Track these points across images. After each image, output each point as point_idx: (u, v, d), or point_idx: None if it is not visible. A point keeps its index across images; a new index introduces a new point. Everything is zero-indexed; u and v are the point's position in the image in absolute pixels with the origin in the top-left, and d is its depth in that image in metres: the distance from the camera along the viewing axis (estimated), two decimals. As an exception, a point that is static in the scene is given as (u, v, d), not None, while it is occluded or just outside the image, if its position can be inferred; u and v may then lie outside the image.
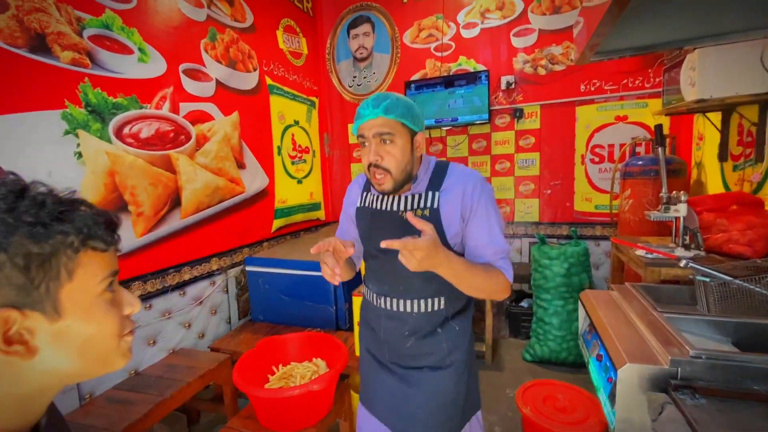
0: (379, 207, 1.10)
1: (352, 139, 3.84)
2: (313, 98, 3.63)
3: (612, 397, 1.02)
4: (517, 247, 3.35)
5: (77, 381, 0.51)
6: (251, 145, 2.74)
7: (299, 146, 3.37)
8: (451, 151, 3.47)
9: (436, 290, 1.06)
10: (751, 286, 1.13)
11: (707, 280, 1.20)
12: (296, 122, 3.33)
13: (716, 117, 2.17)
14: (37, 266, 0.42)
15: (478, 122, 3.20)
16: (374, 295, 1.16)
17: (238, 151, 2.60)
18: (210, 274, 2.36)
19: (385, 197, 1.10)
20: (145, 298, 1.94)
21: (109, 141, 1.77)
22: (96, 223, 0.47)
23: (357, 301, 1.90)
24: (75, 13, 1.66)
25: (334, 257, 0.94)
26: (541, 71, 3.09)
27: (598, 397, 1.17)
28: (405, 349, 1.11)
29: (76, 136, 1.65)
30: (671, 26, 1.29)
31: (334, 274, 0.91)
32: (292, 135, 3.27)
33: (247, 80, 2.72)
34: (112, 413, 1.52)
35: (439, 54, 3.40)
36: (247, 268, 2.55)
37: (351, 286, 2.33)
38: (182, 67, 2.18)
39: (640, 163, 2.47)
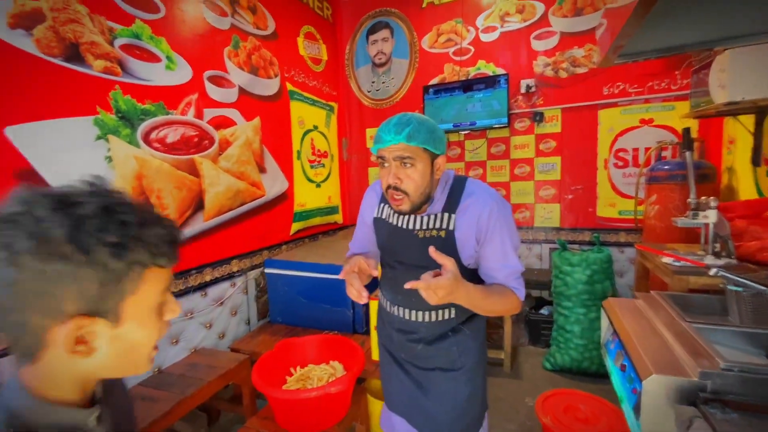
0: (395, 223, 1.11)
1: (371, 144, 3.86)
2: (332, 103, 3.67)
3: (637, 408, 0.99)
4: (537, 252, 3.29)
5: (106, 377, 0.57)
6: (272, 149, 2.79)
7: (318, 151, 3.42)
8: (469, 156, 3.44)
9: (447, 303, 1.07)
10: (788, 297, 1.08)
11: (740, 289, 1.15)
12: (315, 127, 3.38)
13: (748, 120, 2.08)
14: (111, 281, 0.47)
15: (496, 126, 3.17)
16: (388, 302, 1.19)
17: (259, 155, 2.65)
18: (230, 276, 2.41)
19: (402, 215, 1.10)
20: (169, 298, 1.99)
21: (138, 146, 1.84)
22: (164, 242, 0.52)
23: (374, 305, 1.91)
24: (107, 23, 1.73)
25: (359, 277, 0.97)
26: (563, 74, 3.05)
27: (622, 408, 1.13)
28: (417, 352, 1.14)
29: (107, 141, 1.71)
30: (700, 26, 1.26)
31: (360, 295, 0.95)
32: (312, 140, 3.32)
33: (269, 86, 2.78)
34: (137, 409, 1.56)
35: (457, 58, 3.39)
36: (266, 270, 2.59)
37: (368, 290, 2.33)
38: (207, 74, 2.24)
39: (666, 167, 2.39)
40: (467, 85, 3.23)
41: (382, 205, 1.17)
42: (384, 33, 3.68)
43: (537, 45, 3.11)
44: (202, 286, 2.20)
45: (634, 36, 1.22)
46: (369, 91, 3.82)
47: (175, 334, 2.04)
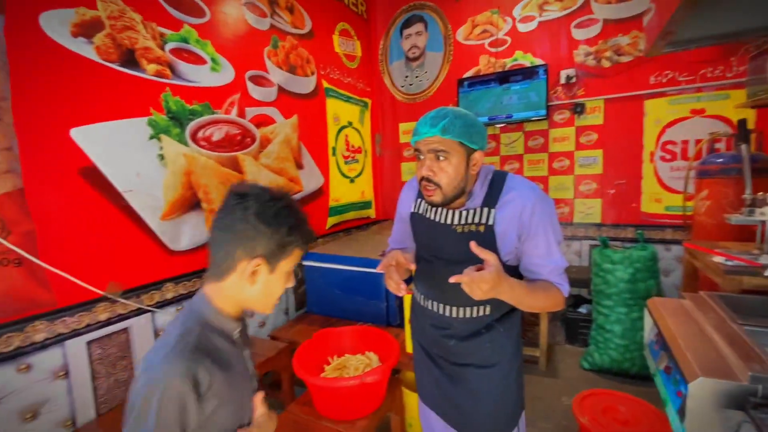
0: (433, 218, 1.11)
1: (403, 138, 3.88)
2: (366, 99, 3.71)
3: (681, 412, 0.96)
4: (576, 249, 3.19)
5: (249, 307, 0.86)
6: (308, 146, 2.87)
7: (352, 146, 3.47)
8: (504, 149, 3.38)
9: (491, 298, 1.07)
10: None
11: (799, 291, 1.09)
12: (350, 123, 3.43)
13: (815, 109, 1.92)
14: (281, 245, 0.80)
15: (534, 118, 3.09)
16: (422, 296, 1.19)
17: (297, 152, 2.74)
18: (270, 268, 2.51)
19: (440, 209, 1.10)
20: (214, 287, 2.12)
21: (186, 144, 1.95)
22: (309, 236, 0.86)
23: (407, 299, 1.93)
24: (158, 29, 1.84)
25: (397, 270, 1.00)
26: (606, 63, 2.92)
27: (665, 411, 1.10)
28: (449, 347, 1.14)
29: (159, 140, 1.84)
30: (759, 10, 1.18)
31: (399, 288, 0.98)
32: (346, 136, 3.38)
33: (306, 84, 2.85)
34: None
35: (493, 50, 3.32)
36: (304, 263, 2.68)
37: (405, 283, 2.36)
38: (248, 74, 2.34)
39: (719, 160, 2.25)
40: (503, 77, 3.16)
41: (419, 200, 1.18)
42: (418, 27, 3.66)
43: (578, 34, 2.99)
44: (245, 277, 2.31)
45: (685, 22, 1.16)
46: (402, 86, 3.82)
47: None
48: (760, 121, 2.49)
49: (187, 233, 1.95)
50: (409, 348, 1.88)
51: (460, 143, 0.97)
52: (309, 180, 2.87)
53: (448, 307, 1.11)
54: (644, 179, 2.91)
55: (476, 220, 1.03)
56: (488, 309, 1.09)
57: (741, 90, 2.45)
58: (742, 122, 1.79)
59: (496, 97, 3.20)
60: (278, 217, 0.79)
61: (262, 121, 2.43)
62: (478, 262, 0.86)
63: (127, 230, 1.71)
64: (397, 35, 3.77)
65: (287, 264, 0.83)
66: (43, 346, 1.43)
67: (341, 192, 3.30)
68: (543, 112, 3.03)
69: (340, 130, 3.28)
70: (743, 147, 1.77)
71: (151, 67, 1.81)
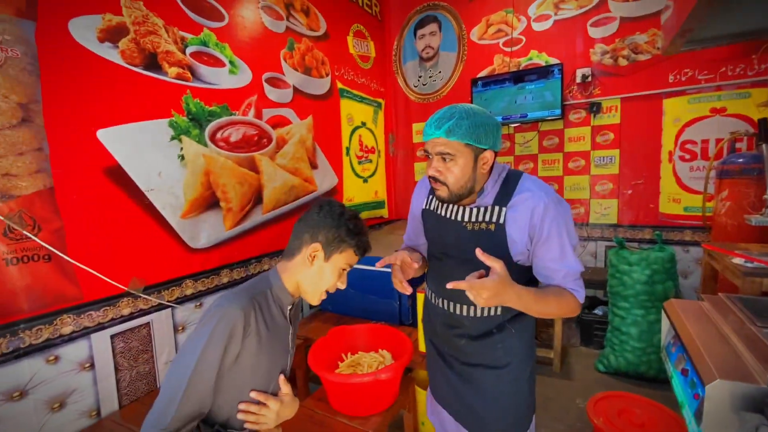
0: (444, 214, 1.12)
1: (417, 139, 3.89)
2: (380, 99, 3.73)
3: (698, 414, 0.96)
4: (592, 250, 3.16)
5: (303, 289, 1.06)
6: (323, 146, 2.91)
7: (365, 146, 3.50)
8: (519, 149, 3.36)
9: (496, 305, 1.07)
10: None
11: (822, 294, 1.06)
12: (363, 124, 3.46)
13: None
14: (339, 240, 1.01)
15: (549, 118, 3.07)
16: (433, 294, 1.20)
17: (311, 152, 2.77)
18: (285, 266, 2.56)
19: (451, 205, 1.10)
20: (232, 284, 2.17)
21: (205, 145, 2.00)
22: (364, 244, 1.07)
23: (420, 298, 1.95)
24: (180, 33, 1.90)
25: (404, 270, 1.02)
26: (623, 62, 2.88)
27: (682, 414, 1.09)
28: (460, 347, 1.14)
29: (180, 141, 1.89)
30: (782, 8, 1.15)
31: (403, 286, 1.01)
32: (360, 136, 3.40)
33: (321, 85, 2.89)
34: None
35: (508, 49, 3.31)
36: (318, 262, 2.71)
37: (415, 282, 2.38)
38: (265, 76, 2.38)
39: (740, 160, 2.20)
40: (518, 77, 3.15)
41: (430, 197, 1.19)
42: (432, 27, 3.67)
43: (594, 32, 2.95)
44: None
45: (703, 20, 1.15)
46: (416, 86, 3.83)
47: (237, 318, 2.21)
48: (784, 120, 2.43)
49: (205, 231, 2.01)
50: (422, 347, 1.90)
51: (467, 144, 0.97)
52: (323, 180, 2.90)
53: (458, 305, 1.11)
54: (663, 179, 2.86)
55: (487, 218, 1.03)
56: (499, 309, 1.08)
57: (763, 88, 2.40)
58: (764, 121, 1.76)
59: (510, 96, 3.19)
60: (342, 217, 1.02)
61: (278, 122, 2.48)
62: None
63: (149, 228, 1.76)
64: (411, 36, 3.78)
65: (340, 259, 1.02)
66: (71, 338, 1.49)
67: (355, 192, 3.32)
68: (558, 111, 3.01)
69: (353, 131, 3.31)
70: (765, 147, 1.73)
71: (173, 70, 1.86)
